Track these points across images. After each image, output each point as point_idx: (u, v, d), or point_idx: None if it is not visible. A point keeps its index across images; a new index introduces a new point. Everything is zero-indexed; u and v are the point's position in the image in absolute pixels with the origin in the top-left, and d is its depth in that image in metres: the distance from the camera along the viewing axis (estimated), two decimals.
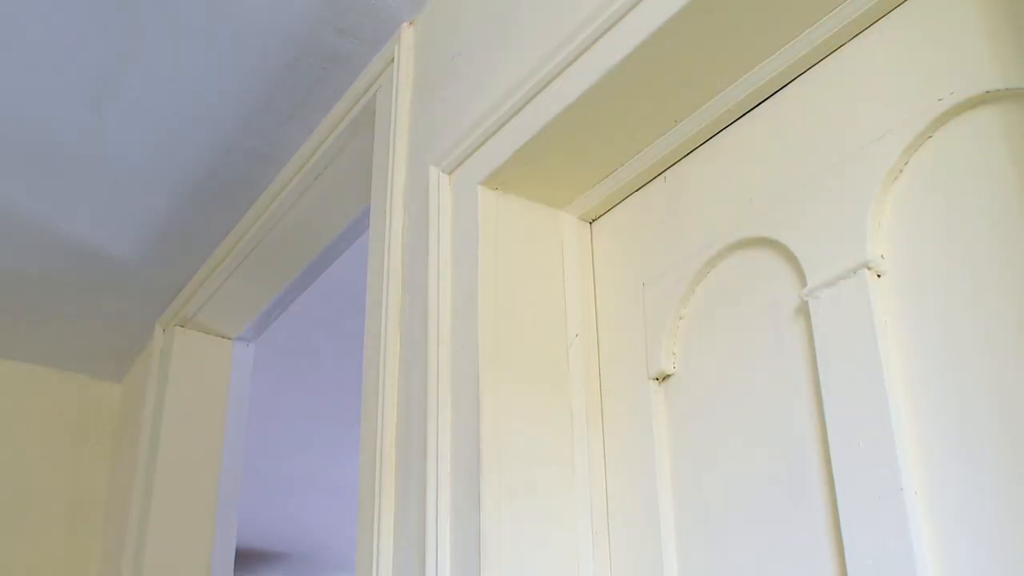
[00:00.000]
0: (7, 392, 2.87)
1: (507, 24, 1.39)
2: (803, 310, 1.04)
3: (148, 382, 2.62)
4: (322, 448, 4.16)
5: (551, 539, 1.18)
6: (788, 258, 1.07)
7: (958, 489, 0.86)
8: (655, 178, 1.30)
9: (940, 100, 0.94)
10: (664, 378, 1.21)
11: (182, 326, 2.56)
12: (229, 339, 2.63)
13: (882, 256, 0.97)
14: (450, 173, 1.41)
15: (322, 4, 1.66)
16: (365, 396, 1.45)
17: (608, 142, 1.27)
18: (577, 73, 1.19)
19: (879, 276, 0.96)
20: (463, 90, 1.45)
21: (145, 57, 1.78)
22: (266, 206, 2.11)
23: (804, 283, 1.03)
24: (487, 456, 1.18)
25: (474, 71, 1.44)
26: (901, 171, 0.98)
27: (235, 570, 2.52)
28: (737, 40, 1.10)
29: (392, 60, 1.67)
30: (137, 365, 2.88)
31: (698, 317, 1.19)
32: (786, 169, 1.10)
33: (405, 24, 1.68)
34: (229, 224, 2.27)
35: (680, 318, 1.21)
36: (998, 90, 0.90)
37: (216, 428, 2.53)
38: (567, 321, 1.32)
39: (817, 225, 1.03)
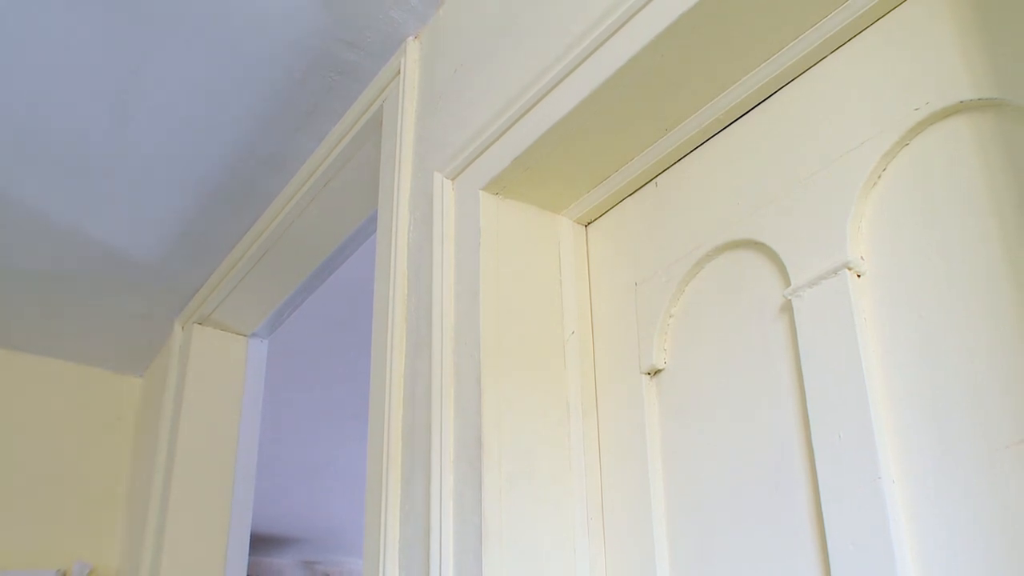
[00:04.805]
0: (35, 386, 2.87)
1: (506, 39, 1.39)
2: (787, 308, 1.03)
3: (168, 376, 2.62)
4: (332, 438, 4.16)
5: (549, 523, 1.18)
6: (773, 259, 1.07)
7: (933, 477, 0.85)
8: (647, 183, 1.30)
9: (916, 110, 0.94)
10: (655, 373, 1.21)
11: (200, 323, 2.56)
12: (244, 336, 2.63)
13: (862, 257, 0.97)
14: (453, 179, 1.40)
15: (332, 19, 1.66)
16: (373, 389, 1.45)
17: (602, 149, 1.26)
18: (573, 84, 1.19)
19: (859, 276, 0.96)
20: (465, 101, 1.45)
21: (165, 68, 1.78)
22: (279, 210, 2.10)
23: (788, 283, 1.03)
24: (488, 446, 1.18)
25: (475, 83, 1.44)
26: (880, 177, 0.97)
27: (250, 554, 2.51)
28: (724, 53, 1.09)
29: (398, 72, 1.67)
30: (157, 360, 2.88)
31: (688, 315, 1.19)
32: (771, 175, 1.10)
33: (410, 38, 1.68)
34: (244, 227, 2.27)
35: (671, 316, 1.21)
36: (971, 100, 0.90)
37: (232, 419, 2.53)
38: (564, 319, 1.32)
39: (800, 228, 1.03)
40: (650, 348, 1.21)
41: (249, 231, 2.26)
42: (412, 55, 1.66)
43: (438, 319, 1.32)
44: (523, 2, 1.37)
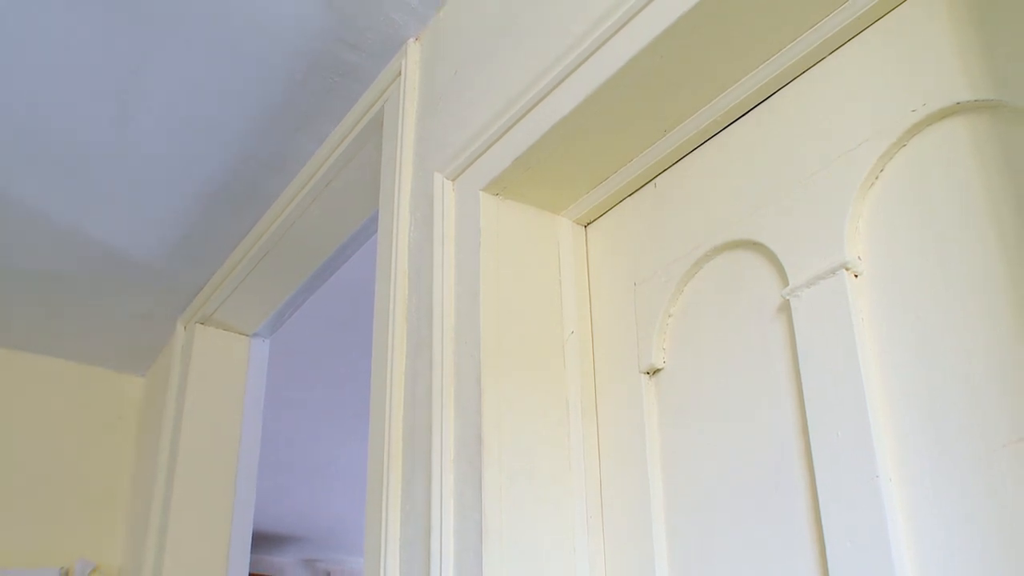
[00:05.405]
0: (39, 385, 2.87)
1: (506, 40, 1.39)
2: (785, 308, 1.04)
3: (170, 376, 2.62)
4: (334, 438, 4.16)
5: (549, 522, 1.18)
6: (771, 259, 1.07)
7: (930, 476, 0.85)
8: (646, 184, 1.30)
9: (913, 111, 0.94)
10: (654, 372, 1.21)
11: (202, 323, 2.56)
12: (246, 335, 2.63)
13: (859, 257, 0.97)
14: (454, 180, 1.41)
15: (333, 21, 1.66)
16: (374, 389, 1.45)
17: (602, 151, 1.27)
18: (573, 85, 1.19)
19: (856, 276, 0.96)
20: (465, 101, 1.45)
21: (165, 68, 1.78)
22: (281, 210, 2.11)
23: (786, 283, 1.03)
24: (488, 445, 1.18)
25: (476, 84, 1.44)
26: (877, 178, 0.98)
27: (252, 552, 2.52)
28: (723, 54, 1.10)
29: (399, 74, 1.67)
30: (160, 360, 2.89)
31: (686, 315, 1.19)
32: (769, 176, 1.10)
33: (411, 40, 1.68)
34: (246, 227, 2.27)
35: (669, 316, 1.21)
36: (967, 101, 0.90)
37: (234, 419, 2.53)
38: (563, 318, 1.32)
39: (798, 228, 1.03)
40: (649, 348, 1.21)
41: (251, 231, 2.27)
42: (413, 56, 1.66)
43: (438, 319, 1.32)
44: (523, 3, 1.37)
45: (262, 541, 6.02)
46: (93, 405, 2.93)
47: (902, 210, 0.94)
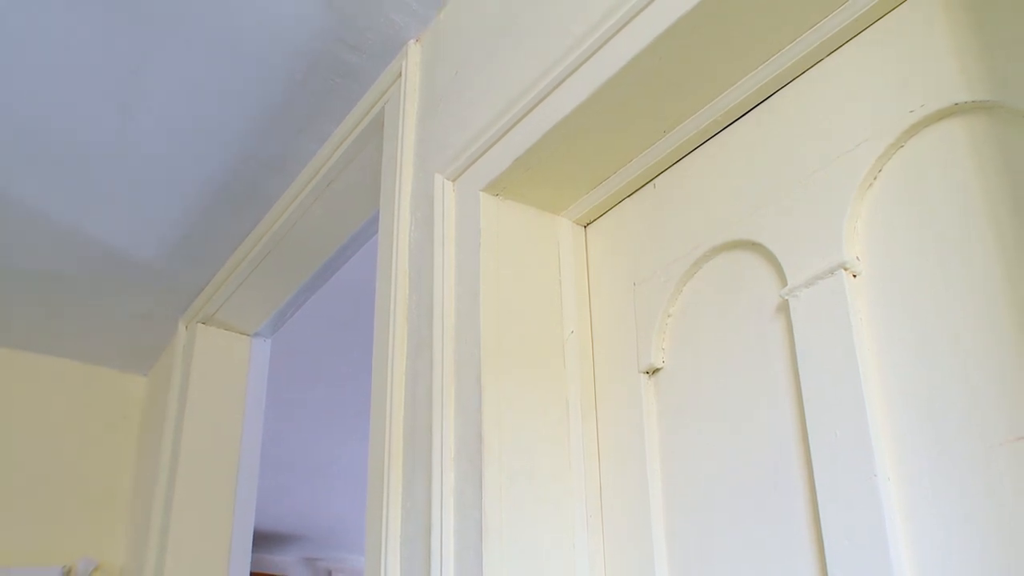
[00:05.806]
0: (42, 385, 2.88)
1: (506, 41, 1.39)
2: (784, 308, 1.04)
3: (172, 375, 2.63)
4: (335, 437, 4.17)
5: (548, 520, 1.18)
6: (770, 259, 1.08)
7: (928, 475, 0.86)
8: (646, 184, 1.31)
9: (911, 112, 0.95)
10: (654, 372, 1.21)
11: (204, 323, 2.57)
12: (247, 335, 2.63)
13: (857, 257, 0.97)
14: (454, 180, 1.41)
15: (334, 21, 1.66)
16: (375, 388, 1.45)
17: (601, 151, 1.27)
18: (573, 86, 1.20)
19: (855, 276, 0.97)
20: (466, 102, 1.46)
21: (165, 68, 1.78)
22: (282, 211, 2.11)
23: (785, 283, 1.03)
24: (488, 444, 1.18)
25: (476, 85, 1.44)
26: (875, 178, 0.98)
27: (253, 551, 2.52)
28: (723, 55, 1.10)
29: (400, 75, 1.67)
30: (162, 359, 2.89)
31: (686, 315, 1.19)
32: (768, 176, 1.10)
33: (412, 41, 1.68)
34: (247, 228, 2.28)
35: (669, 315, 1.21)
36: (965, 102, 0.90)
37: (235, 418, 2.54)
38: (563, 318, 1.32)
39: (797, 229, 1.04)
40: (648, 347, 1.21)
41: (252, 232, 2.27)
42: (413, 58, 1.66)
43: (439, 319, 1.32)
44: (523, 4, 1.37)
45: (263, 540, 6.03)
46: (96, 404, 2.94)
47: (900, 210, 0.95)
